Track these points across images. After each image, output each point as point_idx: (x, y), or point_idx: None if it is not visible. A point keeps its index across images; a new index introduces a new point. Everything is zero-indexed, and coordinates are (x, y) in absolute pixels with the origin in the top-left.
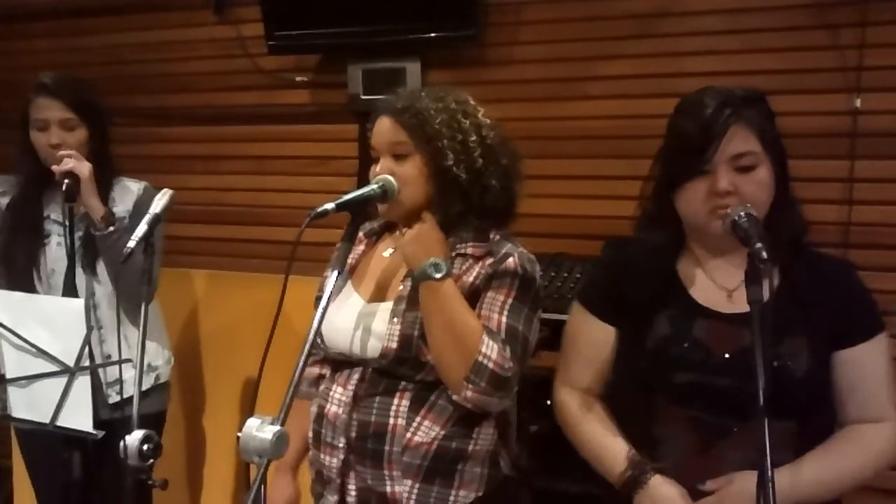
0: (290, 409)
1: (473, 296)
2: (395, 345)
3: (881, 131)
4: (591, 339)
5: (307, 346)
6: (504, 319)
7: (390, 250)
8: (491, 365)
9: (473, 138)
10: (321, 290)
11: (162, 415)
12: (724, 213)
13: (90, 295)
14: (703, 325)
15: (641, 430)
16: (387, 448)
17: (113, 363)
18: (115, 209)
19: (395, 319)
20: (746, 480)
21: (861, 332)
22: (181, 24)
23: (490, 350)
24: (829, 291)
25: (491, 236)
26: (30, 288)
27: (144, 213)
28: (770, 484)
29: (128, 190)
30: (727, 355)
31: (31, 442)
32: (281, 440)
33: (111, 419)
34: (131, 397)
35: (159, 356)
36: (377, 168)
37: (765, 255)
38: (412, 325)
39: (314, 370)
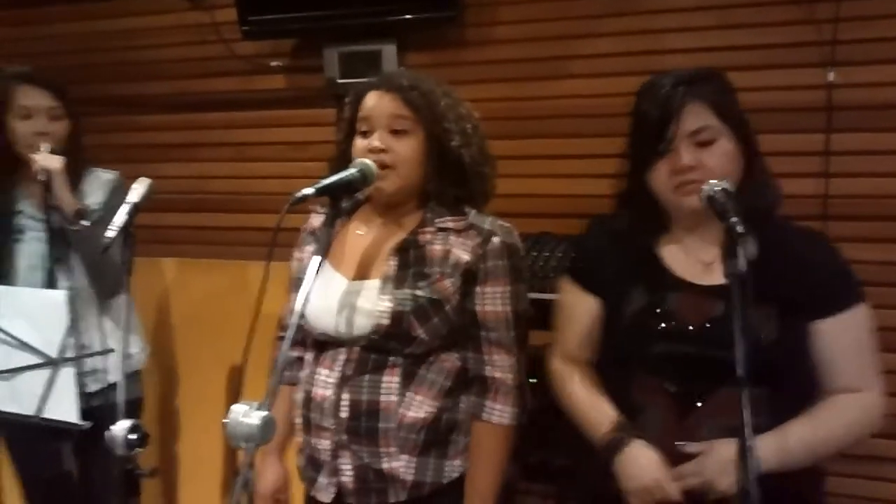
0: (275, 393)
1: (467, 273)
2: (386, 321)
3: (855, 104)
4: (579, 311)
5: (291, 331)
6: (509, 309)
7: (364, 229)
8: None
9: (470, 126)
10: (300, 273)
11: (138, 402)
12: (692, 188)
13: (68, 288)
14: (676, 297)
15: (620, 400)
16: (381, 425)
17: (96, 353)
18: (87, 201)
19: (385, 297)
20: (726, 448)
21: (837, 303)
22: (153, 11)
23: None
24: (801, 262)
25: (466, 210)
26: (6, 284)
27: (117, 204)
28: (748, 453)
29: (100, 181)
30: (698, 326)
31: (16, 435)
32: (268, 425)
33: (89, 408)
34: (109, 386)
35: (134, 344)
36: (369, 141)
37: (740, 228)
38: (403, 301)
39: (292, 353)
